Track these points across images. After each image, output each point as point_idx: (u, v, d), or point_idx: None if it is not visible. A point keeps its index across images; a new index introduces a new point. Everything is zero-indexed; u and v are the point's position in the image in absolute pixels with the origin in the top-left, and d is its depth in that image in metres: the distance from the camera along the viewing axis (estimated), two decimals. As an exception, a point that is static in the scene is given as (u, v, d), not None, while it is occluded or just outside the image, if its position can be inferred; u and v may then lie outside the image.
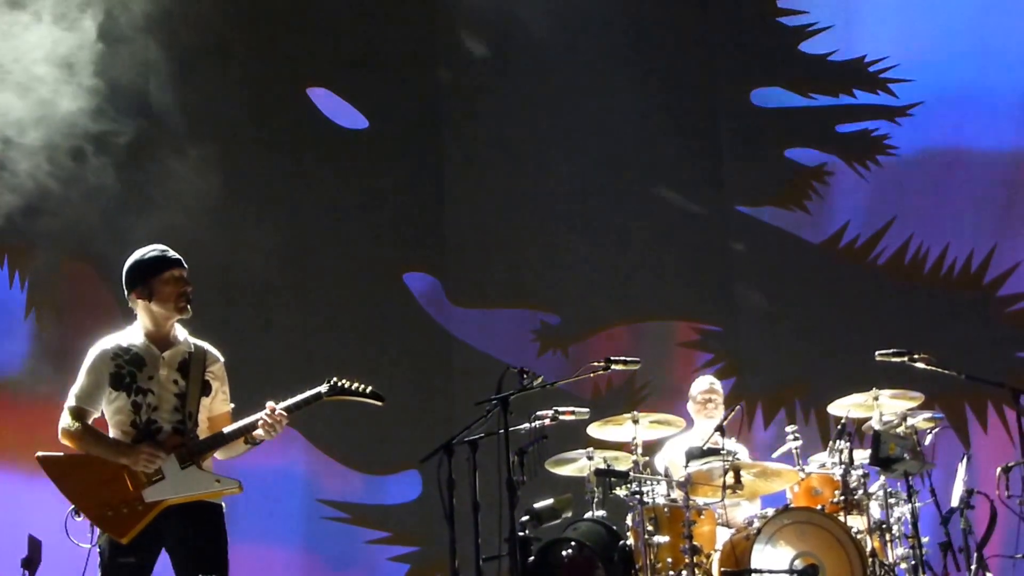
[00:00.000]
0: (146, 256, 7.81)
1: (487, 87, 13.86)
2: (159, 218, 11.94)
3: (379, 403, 7.95)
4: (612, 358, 9.85)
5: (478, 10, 13.61)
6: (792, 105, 13.85)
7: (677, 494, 10.20)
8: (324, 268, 13.25)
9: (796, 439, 10.47)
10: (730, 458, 10.09)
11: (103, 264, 12.17)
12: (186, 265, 7.82)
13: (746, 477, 10.18)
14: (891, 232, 13.52)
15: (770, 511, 10.14)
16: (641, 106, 13.79)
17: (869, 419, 10.41)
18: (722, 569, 10.08)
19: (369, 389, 7.93)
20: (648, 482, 10.20)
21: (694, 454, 10.14)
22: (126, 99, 12.36)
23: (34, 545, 9.85)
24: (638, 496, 10.09)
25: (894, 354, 10.41)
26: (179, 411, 7.65)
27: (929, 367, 10.35)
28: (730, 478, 10.02)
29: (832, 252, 13.61)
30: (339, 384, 7.86)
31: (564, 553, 10.02)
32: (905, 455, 9.94)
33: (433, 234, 13.76)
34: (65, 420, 7.64)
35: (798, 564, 9.79)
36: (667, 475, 10.49)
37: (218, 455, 7.79)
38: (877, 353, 10.49)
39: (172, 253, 7.83)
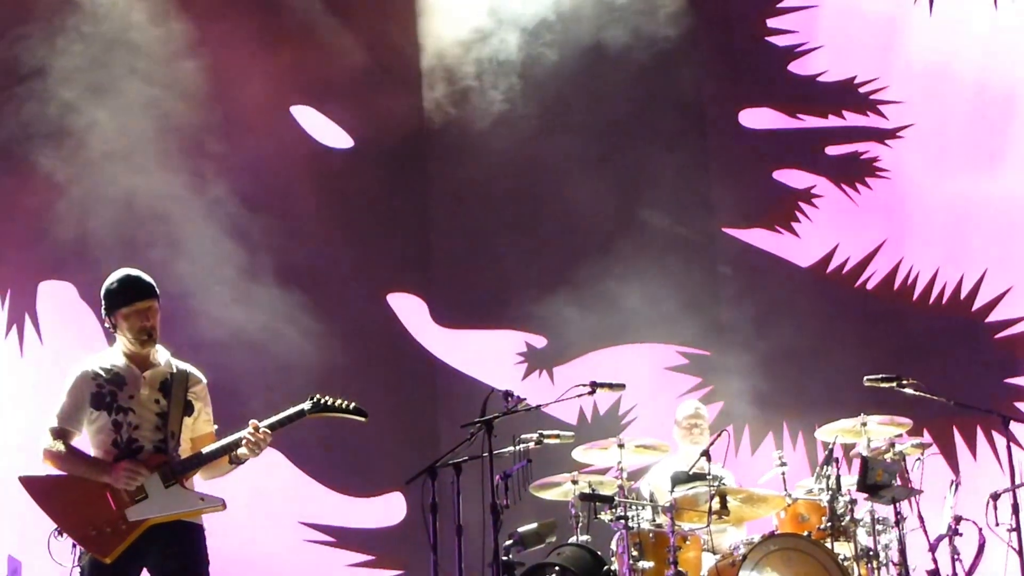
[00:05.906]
0: (113, 285, 7.77)
1: (473, 107, 13.79)
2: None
3: (362, 419, 8.00)
4: (597, 381, 9.85)
5: (465, 34, 13.56)
6: (781, 127, 13.80)
7: (662, 519, 10.15)
8: (307, 287, 13.16)
9: (783, 464, 10.42)
10: (716, 483, 10.03)
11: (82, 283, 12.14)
12: (157, 292, 7.75)
13: (732, 503, 10.13)
14: (880, 256, 13.46)
15: (756, 537, 10.09)
16: (628, 126, 13.73)
17: (856, 445, 10.39)
18: (708, 595, 10.04)
19: (352, 405, 8.01)
20: (633, 507, 10.15)
21: (680, 479, 10.09)
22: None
23: (14, 566, 9.81)
24: (623, 521, 10.04)
25: (883, 379, 10.39)
26: (160, 430, 7.64)
27: (918, 393, 10.33)
28: (716, 504, 9.97)
29: (821, 276, 13.55)
30: (322, 401, 7.91)
31: (548, 578, 9.99)
32: (892, 481, 9.91)
33: (418, 254, 13.70)
34: (47, 441, 7.63)
35: (784, 591, 9.75)
36: (652, 500, 10.44)
37: (201, 475, 7.78)
38: (866, 378, 10.46)
39: (141, 282, 7.77)
